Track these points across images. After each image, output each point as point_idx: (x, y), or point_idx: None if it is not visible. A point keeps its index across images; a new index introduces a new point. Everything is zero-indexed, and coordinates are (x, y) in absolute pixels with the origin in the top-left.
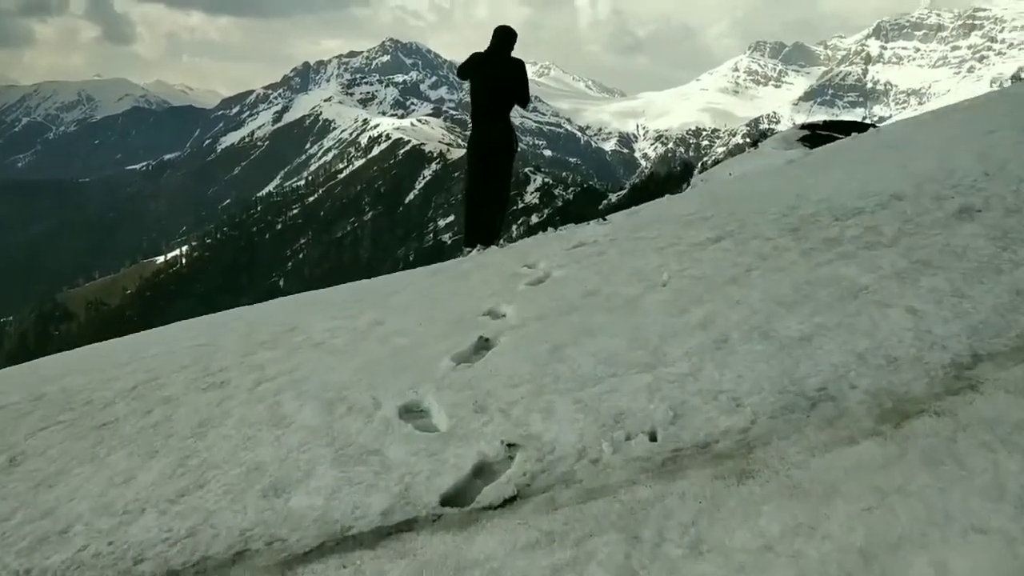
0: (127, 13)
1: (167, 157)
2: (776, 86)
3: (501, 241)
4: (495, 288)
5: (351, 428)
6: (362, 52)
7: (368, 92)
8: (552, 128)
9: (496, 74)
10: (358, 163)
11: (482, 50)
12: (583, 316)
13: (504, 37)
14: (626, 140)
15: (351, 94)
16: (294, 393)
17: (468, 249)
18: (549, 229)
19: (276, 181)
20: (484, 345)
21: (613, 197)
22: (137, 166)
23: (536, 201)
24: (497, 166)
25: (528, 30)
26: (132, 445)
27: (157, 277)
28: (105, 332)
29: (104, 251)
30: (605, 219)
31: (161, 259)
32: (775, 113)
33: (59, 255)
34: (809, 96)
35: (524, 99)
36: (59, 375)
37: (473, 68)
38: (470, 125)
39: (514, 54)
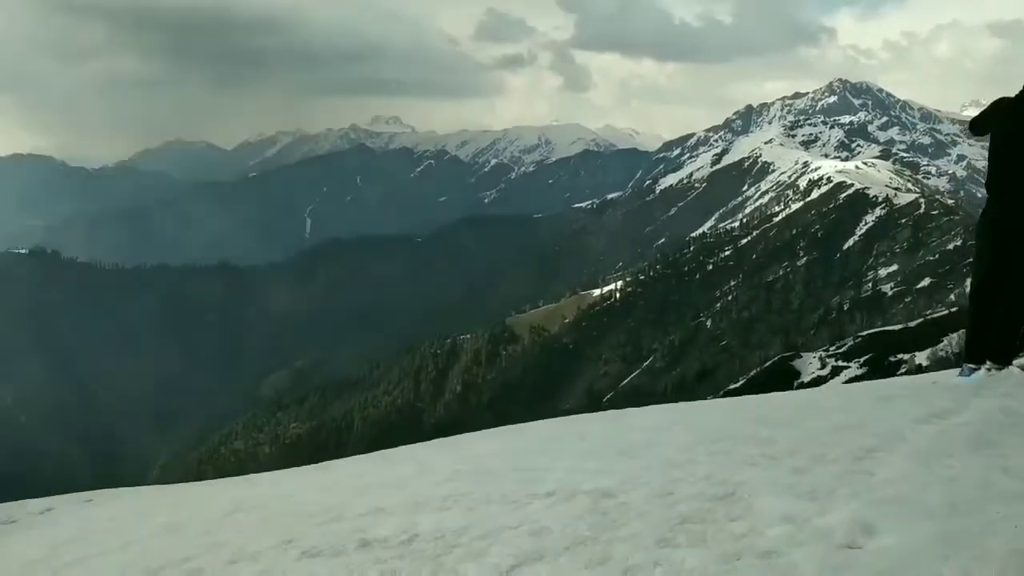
0: (585, 64)
1: (610, 196)
2: None
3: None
4: None
5: None
6: (807, 93)
7: (811, 134)
8: None
9: None
10: (795, 206)
11: (1011, 95)
12: None
13: None
14: None
15: (792, 136)
16: None
17: (971, 366)
18: None
19: (710, 222)
20: None
21: None
22: (583, 204)
23: None
24: None
25: (998, 65)
26: None
27: (592, 309)
28: (545, 355)
29: (548, 281)
30: None
31: (597, 292)
32: None
33: (511, 282)
34: None
35: None
36: (440, 503)
37: (999, 120)
38: (986, 196)
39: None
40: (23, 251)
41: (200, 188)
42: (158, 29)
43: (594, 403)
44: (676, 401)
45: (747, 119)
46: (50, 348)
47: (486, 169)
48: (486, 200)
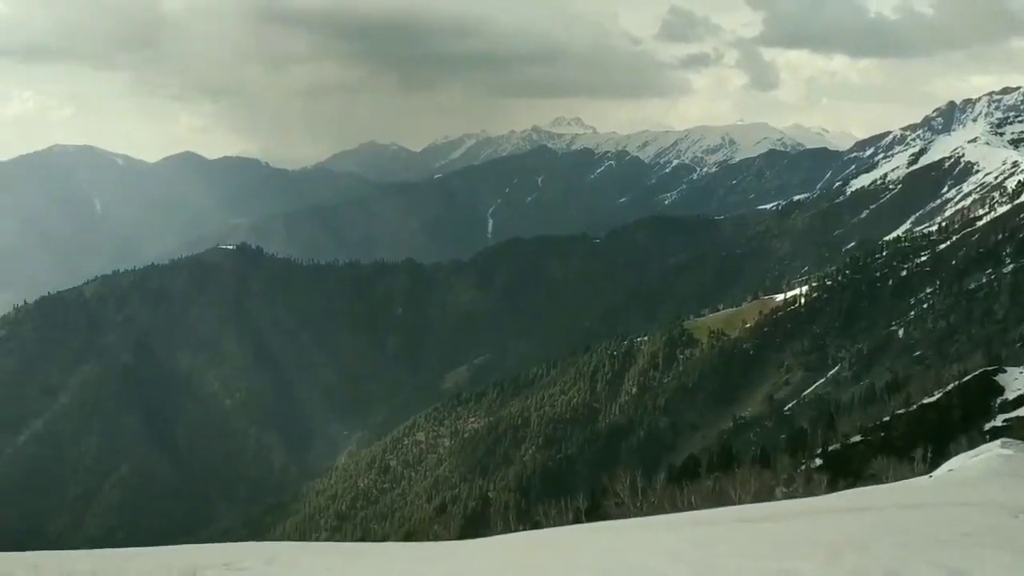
0: (773, 61)
1: (796, 198)
2: None
3: None
4: None
5: None
6: (1018, 87)
7: (1021, 132)
8: None
9: None
10: (1001, 209)
11: None
12: None
13: None
14: None
15: (1000, 134)
16: None
17: None
18: None
19: (905, 225)
20: None
21: None
22: (767, 206)
23: None
24: None
25: None
26: None
27: (775, 314)
28: (723, 360)
29: (729, 284)
30: None
31: (780, 297)
32: None
33: (689, 285)
34: None
35: None
36: None
37: None
38: None
39: None
40: (230, 247)
41: (389, 188)
42: (355, 37)
43: (775, 411)
44: (866, 411)
45: (949, 116)
46: (252, 337)
47: (667, 170)
48: (666, 201)
